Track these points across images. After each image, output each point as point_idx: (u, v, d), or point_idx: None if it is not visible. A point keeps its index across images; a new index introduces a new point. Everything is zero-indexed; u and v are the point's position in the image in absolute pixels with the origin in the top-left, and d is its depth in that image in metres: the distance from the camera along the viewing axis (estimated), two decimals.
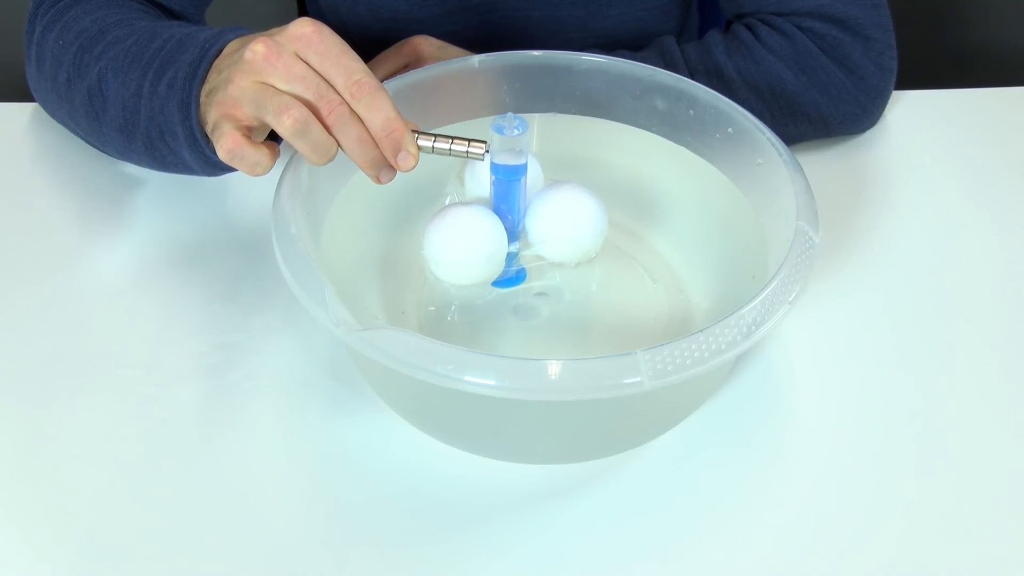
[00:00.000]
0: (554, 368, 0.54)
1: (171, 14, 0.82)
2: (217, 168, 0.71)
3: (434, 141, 0.62)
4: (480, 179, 0.68)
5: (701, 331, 0.55)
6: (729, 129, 0.71)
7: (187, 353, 0.70)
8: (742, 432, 0.66)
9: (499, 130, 0.64)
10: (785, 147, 0.68)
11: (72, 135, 0.84)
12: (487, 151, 0.63)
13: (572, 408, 0.61)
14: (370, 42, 0.86)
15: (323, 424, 0.66)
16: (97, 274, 0.76)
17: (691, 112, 0.73)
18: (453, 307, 0.69)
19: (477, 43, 0.87)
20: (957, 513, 0.62)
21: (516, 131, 0.63)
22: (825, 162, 0.85)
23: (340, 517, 0.61)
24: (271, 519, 0.61)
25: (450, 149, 0.63)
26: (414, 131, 0.62)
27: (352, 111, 0.60)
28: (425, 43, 0.85)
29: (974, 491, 0.63)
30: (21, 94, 0.88)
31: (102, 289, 0.75)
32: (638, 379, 0.54)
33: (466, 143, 0.63)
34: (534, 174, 0.68)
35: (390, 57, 0.85)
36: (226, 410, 0.67)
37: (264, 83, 0.60)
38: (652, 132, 0.75)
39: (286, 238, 0.61)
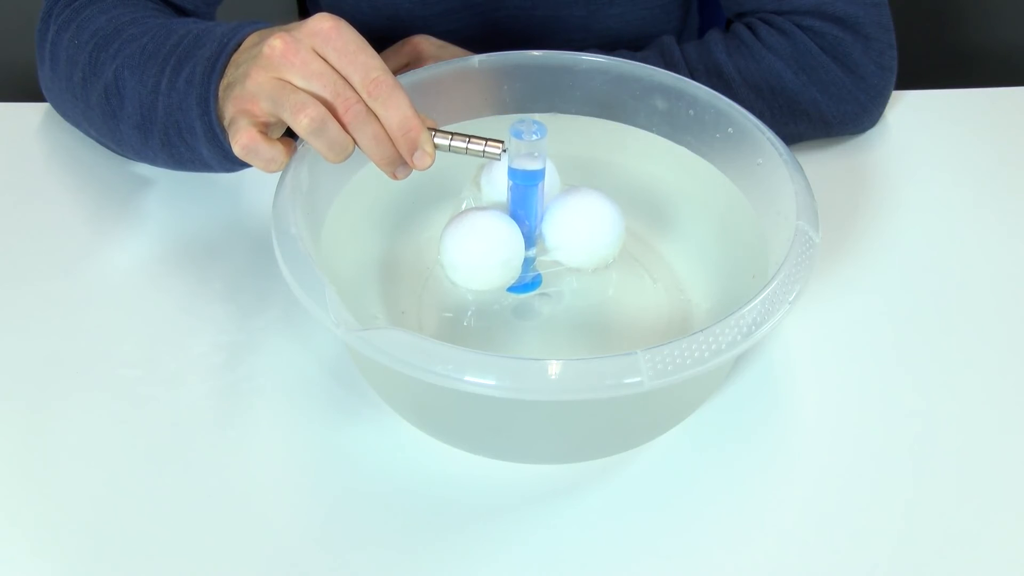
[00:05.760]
0: (554, 368, 0.54)
1: (183, 12, 0.82)
2: (235, 163, 0.71)
3: (451, 140, 0.62)
4: (497, 183, 0.68)
5: (701, 331, 0.55)
6: (729, 129, 0.71)
7: (187, 353, 0.70)
8: (742, 432, 0.66)
9: (517, 134, 0.63)
10: (785, 147, 0.68)
11: (83, 135, 0.84)
12: (504, 151, 0.63)
13: (572, 408, 0.61)
14: (372, 39, 0.86)
15: (323, 424, 0.66)
16: (98, 274, 0.76)
17: (691, 112, 0.72)
18: (470, 312, 0.69)
19: (478, 42, 0.88)
20: (957, 513, 0.62)
21: (535, 136, 0.63)
22: (825, 162, 0.85)
23: (340, 517, 0.61)
24: (271, 519, 0.61)
25: (467, 148, 0.62)
26: (431, 129, 0.62)
27: (369, 109, 0.60)
28: (425, 42, 0.85)
29: (974, 491, 0.63)
30: (32, 94, 0.88)
31: (102, 289, 0.75)
32: (638, 379, 0.54)
33: (483, 142, 0.63)
34: (551, 179, 0.68)
35: (390, 56, 0.85)
36: (226, 410, 0.67)
37: (281, 79, 0.61)
38: (652, 132, 0.75)
39: (286, 238, 0.61)
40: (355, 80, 0.60)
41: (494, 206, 0.68)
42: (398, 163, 0.62)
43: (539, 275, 0.69)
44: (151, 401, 0.67)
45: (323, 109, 0.60)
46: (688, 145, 0.74)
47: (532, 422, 0.63)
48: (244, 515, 0.61)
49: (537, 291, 0.70)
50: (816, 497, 0.63)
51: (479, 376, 0.53)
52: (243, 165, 0.71)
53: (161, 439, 0.65)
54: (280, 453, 0.65)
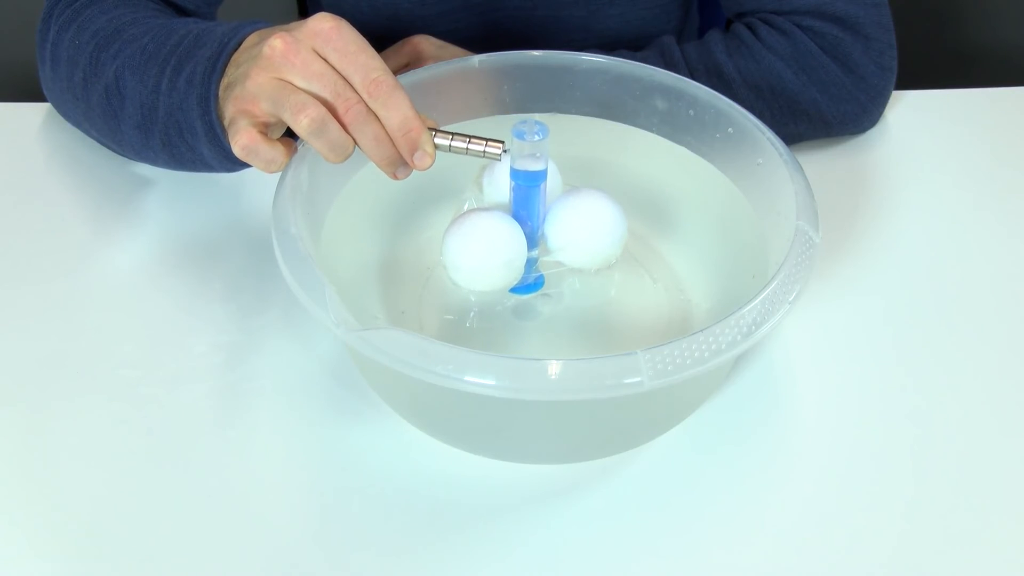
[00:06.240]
0: (554, 368, 0.54)
1: (184, 12, 0.82)
2: (236, 163, 0.71)
3: (451, 140, 0.62)
4: (499, 184, 0.68)
5: (701, 331, 0.55)
6: (729, 129, 0.71)
7: (187, 353, 0.70)
8: (742, 432, 0.66)
9: (520, 135, 0.63)
10: (785, 147, 0.68)
11: (84, 136, 0.84)
12: (504, 151, 0.63)
13: (572, 408, 0.61)
14: (371, 39, 0.86)
15: (323, 424, 0.66)
16: (98, 275, 0.76)
17: (691, 112, 0.72)
18: (472, 313, 0.69)
19: (478, 42, 0.88)
20: (957, 513, 0.62)
21: (537, 136, 0.63)
22: (825, 162, 0.85)
23: (340, 517, 0.61)
24: (271, 519, 0.61)
25: (467, 148, 0.62)
26: (432, 129, 0.62)
27: (369, 110, 0.60)
28: (425, 42, 0.85)
29: (974, 491, 0.63)
30: (33, 95, 0.88)
31: (103, 289, 0.75)
32: (638, 379, 0.54)
33: (483, 143, 0.62)
34: (553, 179, 0.68)
35: (390, 56, 0.85)
36: (226, 410, 0.67)
37: (282, 80, 0.61)
38: (652, 132, 0.75)
39: (286, 238, 0.61)
40: (355, 80, 0.60)
41: (496, 207, 0.68)
42: (398, 163, 0.62)
43: (541, 276, 0.70)
44: (151, 401, 0.67)
45: (323, 110, 0.60)
46: (688, 145, 0.74)
47: (532, 422, 0.63)
48: (244, 515, 0.61)
49: (539, 292, 0.70)
50: (816, 497, 0.63)
51: (479, 376, 0.53)
52: (244, 165, 0.71)
53: (161, 439, 0.65)
54: (280, 453, 0.65)
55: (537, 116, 0.70)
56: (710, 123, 0.72)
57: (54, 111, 0.86)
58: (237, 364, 0.69)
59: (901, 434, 0.66)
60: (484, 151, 0.62)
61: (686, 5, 0.98)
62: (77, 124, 0.82)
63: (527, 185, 0.65)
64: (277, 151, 0.62)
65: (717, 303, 0.70)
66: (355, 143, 0.61)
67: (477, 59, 0.75)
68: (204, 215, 0.80)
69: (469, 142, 0.62)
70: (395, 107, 0.60)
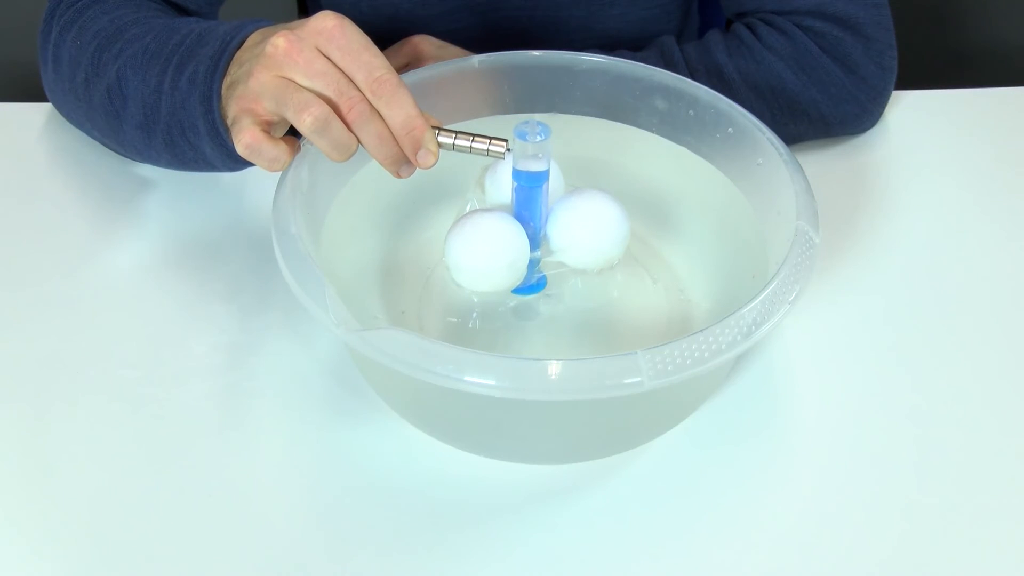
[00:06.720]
0: (554, 368, 0.54)
1: (186, 12, 0.82)
2: (239, 162, 0.71)
3: (454, 138, 0.62)
4: (501, 185, 0.68)
5: (701, 331, 0.55)
6: (729, 129, 0.71)
7: (187, 353, 0.70)
8: (742, 432, 0.66)
9: (522, 136, 0.63)
10: (785, 147, 0.68)
11: (85, 136, 0.84)
12: (508, 149, 0.63)
13: (572, 408, 0.61)
14: (371, 39, 0.86)
15: (323, 424, 0.66)
16: (99, 275, 0.76)
17: (691, 112, 0.73)
18: (474, 314, 0.69)
19: (478, 42, 0.87)
20: (957, 513, 0.62)
21: (539, 136, 0.63)
22: (825, 162, 0.85)
23: (340, 517, 0.61)
24: (271, 519, 0.61)
25: (471, 147, 0.62)
26: (435, 127, 0.62)
27: (372, 108, 0.60)
28: (425, 42, 0.85)
29: (974, 491, 0.63)
30: (35, 95, 0.88)
31: (103, 290, 0.75)
32: (638, 379, 0.54)
33: (487, 141, 0.62)
34: (555, 180, 0.68)
35: (390, 56, 0.85)
36: (226, 410, 0.67)
37: (285, 78, 0.60)
38: (652, 132, 0.75)
39: (286, 238, 0.61)
40: (359, 79, 0.60)
41: (499, 207, 0.68)
42: (402, 162, 0.62)
43: (544, 276, 0.69)
44: (151, 402, 0.67)
45: (327, 108, 0.60)
46: (688, 145, 0.74)
47: (532, 422, 0.63)
48: (244, 515, 0.62)
49: (541, 292, 0.70)
50: (816, 497, 0.63)
51: (479, 376, 0.53)
52: (247, 164, 0.71)
53: (161, 439, 0.65)
54: (280, 453, 0.65)
55: (537, 116, 0.71)
56: (710, 123, 0.72)
57: (56, 112, 0.86)
58: (237, 364, 0.69)
59: (901, 434, 0.66)
60: (488, 150, 0.62)
61: (686, 5, 0.98)
62: (79, 125, 0.82)
63: (529, 186, 0.65)
64: (280, 150, 0.63)
65: (717, 303, 0.70)
66: (358, 142, 0.61)
67: (477, 59, 0.75)
68: (205, 215, 0.80)
69: (473, 140, 0.62)
70: (398, 105, 0.60)
